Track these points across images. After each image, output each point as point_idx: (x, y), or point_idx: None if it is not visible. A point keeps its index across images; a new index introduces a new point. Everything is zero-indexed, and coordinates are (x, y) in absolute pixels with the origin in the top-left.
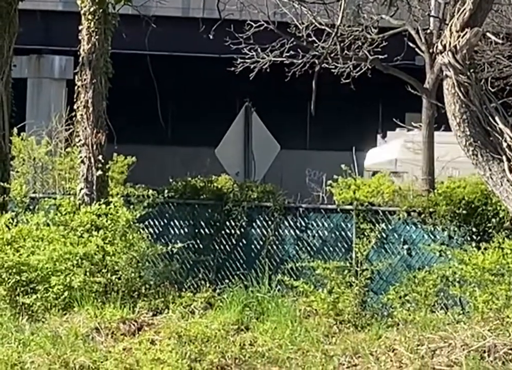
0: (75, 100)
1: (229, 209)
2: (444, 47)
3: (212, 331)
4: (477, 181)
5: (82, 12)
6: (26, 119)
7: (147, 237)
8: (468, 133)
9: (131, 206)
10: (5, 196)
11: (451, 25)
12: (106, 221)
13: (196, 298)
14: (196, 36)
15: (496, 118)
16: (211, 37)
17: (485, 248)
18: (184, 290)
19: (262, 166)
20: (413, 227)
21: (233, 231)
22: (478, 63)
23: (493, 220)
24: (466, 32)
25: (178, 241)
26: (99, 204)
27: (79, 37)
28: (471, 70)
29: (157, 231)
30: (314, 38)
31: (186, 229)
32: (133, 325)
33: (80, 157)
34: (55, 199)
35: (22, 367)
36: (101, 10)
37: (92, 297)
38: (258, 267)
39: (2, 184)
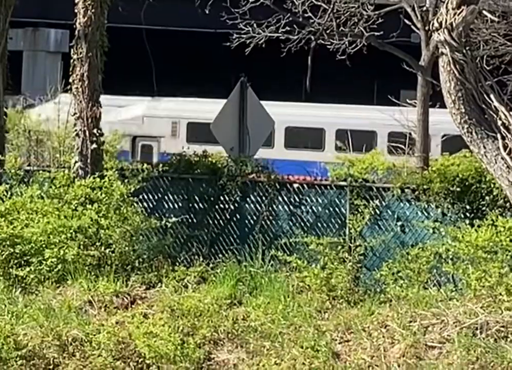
0: (70, 73)
1: (223, 184)
2: (440, 24)
3: (205, 305)
4: (471, 158)
5: None
6: (22, 92)
7: (141, 211)
8: (463, 110)
9: (126, 180)
10: None
11: (447, 3)
12: (101, 194)
13: (189, 272)
14: (192, 11)
15: (492, 96)
16: (207, 12)
17: (478, 226)
18: (177, 264)
19: (257, 141)
20: (407, 204)
21: (227, 206)
22: (474, 41)
23: (487, 197)
24: (462, 10)
25: (172, 216)
26: (94, 178)
27: (75, 11)
28: (467, 48)
29: (151, 205)
30: (310, 14)
31: (180, 204)
32: (126, 298)
33: (75, 130)
34: (49, 172)
35: (15, 339)
36: None
37: (85, 270)
38: (252, 242)
39: None
